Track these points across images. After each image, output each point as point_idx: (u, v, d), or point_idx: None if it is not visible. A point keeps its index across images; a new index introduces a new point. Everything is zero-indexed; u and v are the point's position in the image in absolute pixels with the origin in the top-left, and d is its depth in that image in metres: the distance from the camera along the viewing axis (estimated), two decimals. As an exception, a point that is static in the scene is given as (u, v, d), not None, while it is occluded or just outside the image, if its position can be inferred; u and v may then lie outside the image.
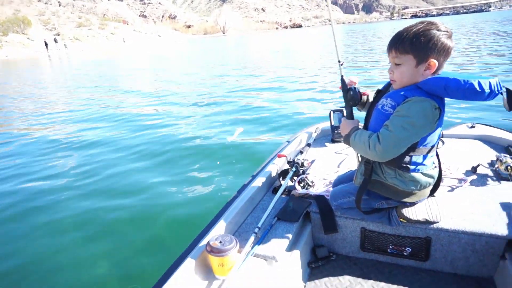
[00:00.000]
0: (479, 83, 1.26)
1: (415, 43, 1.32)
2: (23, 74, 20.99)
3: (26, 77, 18.84)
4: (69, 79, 16.71)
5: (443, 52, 1.33)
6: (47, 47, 50.21)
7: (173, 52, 32.69)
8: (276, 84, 9.98)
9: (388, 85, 1.60)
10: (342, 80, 1.67)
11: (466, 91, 1.28)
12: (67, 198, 3.68)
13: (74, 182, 4.07)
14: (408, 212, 1.60)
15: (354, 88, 1.64)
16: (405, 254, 1.68)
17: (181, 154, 4.73)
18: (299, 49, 25.12)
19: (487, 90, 1.27)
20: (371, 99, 1.68)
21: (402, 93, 1.41)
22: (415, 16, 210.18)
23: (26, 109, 9.42)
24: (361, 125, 1.68)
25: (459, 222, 1.57)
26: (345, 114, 1.73)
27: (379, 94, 1.60)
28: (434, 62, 1.34)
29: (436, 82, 1.33)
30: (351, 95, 1.63)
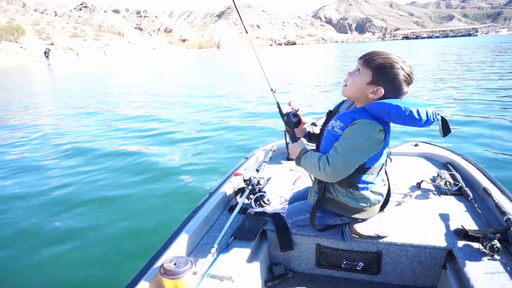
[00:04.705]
0: (418, 111, 1.35)
1: (379, 67, 1.41)
2: (12, 82, 20.83)
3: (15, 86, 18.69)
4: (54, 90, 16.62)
5: (395, 89, 1.43)
6: (46, 56, 49.36)
7: (165, 67, 32.79)
8: (252, 100, 10.11)
9: (339, 106, 1.66)
10: (278, 107, 1.75)
11: (406, 117, 1.36)
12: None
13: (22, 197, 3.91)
14: (360, 227, 1.66)
15: (288, 113, 1.69)
16: (358, 268, 1.73)
17: (137, 170, 4.62)
18: (288, 66, 25.53)
19: (424, 118, 1.36)
20: (317, 130, 1.75)
21: (350, 115, 1.47)
22: (406, 37, 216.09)
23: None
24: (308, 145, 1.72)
25: (406, 235, 1.65)
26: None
27: (330, 115, 1.66)
28: (381, 90, 1.43)
29: (380, 106, 1.40)
30: (286, 120, 1.69)
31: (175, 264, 1.37)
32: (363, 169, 1.51)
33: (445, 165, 2.45)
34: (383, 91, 1.42)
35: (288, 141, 1.73)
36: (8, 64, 43.96)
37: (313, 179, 1.69)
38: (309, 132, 1.75)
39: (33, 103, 11.98)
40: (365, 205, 1.58)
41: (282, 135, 2.61)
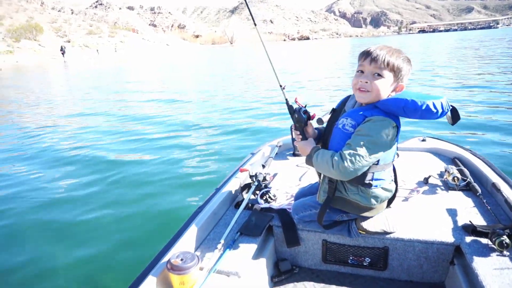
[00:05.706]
0: (434, 104, 1.36)
1: (399, 65, 1.41)
2: (31, 79, 21.33)
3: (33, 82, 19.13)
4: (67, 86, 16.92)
5: (406, 78, 1.48)
6: (62, 53, 49.91)
7: (178, 63, 32.93)
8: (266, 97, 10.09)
9: (343, 104, 1.64)
10: (287, 104, 1.71)
11: (423, 111, 1.37)
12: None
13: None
14: (366, 224, 1.65)
15: (299, 109, 1.63)
16: (364, 264, 1.73)
17: (142, 169, 4.65)
18: (300, 62, 25.26)
19: (440, 110, 1.37)
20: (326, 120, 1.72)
21: (361, 112, 1.46)
22: (422, 31, 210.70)
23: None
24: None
25: (413, 231, 1.64)
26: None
27: (335, 113, 1.64)
28: (402, 85, 1.46)
29: (395, 103, 1.40)
30: (296, 118, 1.63)
31: (181, 259, 1.39)
32: (375, 166, 1.49)
33: (453, 160, 2.43)
34: (403, 85, 1.45)
35: (294, 137, 1.71)
36: (27, 62, 44.98)
37: (321, 178, 1.68)
38: (319, 134, 1.71)
39: (46, 101, 12.25)
40: (375, 202, 1.57)
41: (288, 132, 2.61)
